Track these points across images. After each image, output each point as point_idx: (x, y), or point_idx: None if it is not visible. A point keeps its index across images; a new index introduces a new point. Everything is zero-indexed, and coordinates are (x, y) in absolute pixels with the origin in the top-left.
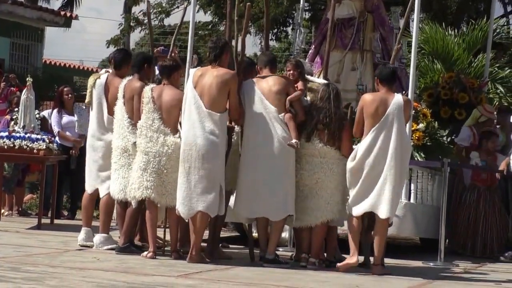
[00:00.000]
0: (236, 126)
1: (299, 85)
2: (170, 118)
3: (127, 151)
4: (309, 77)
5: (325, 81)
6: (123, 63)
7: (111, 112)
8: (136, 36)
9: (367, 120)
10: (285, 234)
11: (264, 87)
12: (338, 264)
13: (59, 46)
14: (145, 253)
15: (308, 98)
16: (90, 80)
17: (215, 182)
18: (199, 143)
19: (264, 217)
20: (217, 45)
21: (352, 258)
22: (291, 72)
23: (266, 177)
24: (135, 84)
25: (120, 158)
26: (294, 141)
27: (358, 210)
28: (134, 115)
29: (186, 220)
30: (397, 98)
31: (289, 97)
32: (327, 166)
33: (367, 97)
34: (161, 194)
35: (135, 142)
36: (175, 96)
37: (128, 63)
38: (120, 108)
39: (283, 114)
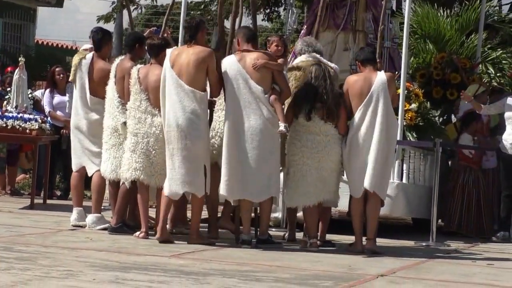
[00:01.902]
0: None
1: (280, 61)
2: (158, 98)
3: (117, 131)
4: (321, 58)
5: (336, 66)
6: (103, 43)
7: (93, 93)
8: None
9: (353, 101)
10: (278, 214)
11: (248, 64)
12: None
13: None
14: (138, 233)
15: (289, 75)
16: (75, 59)
17: (199, 162)
18: (180, 124)
19: (246, 200)
20: (192, 24)
21: (357, 246)
22: (278, 47)
23: (249, 158)
24: (126, 64)
25: (110, 138)
26: (282, 126)
27: (358, 191)
28: (124, 95)
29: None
30: (381, 75)
31: (268, 63)
32: (329, 145)
33: (351, 78)
34: (150, 175)
35: (124, 122)
36: (161, 76)
37: (107, 42)
38: (111, 88)
39: (267, 94)
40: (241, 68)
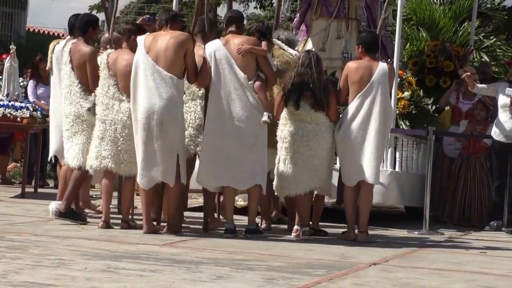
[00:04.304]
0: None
1: (263, 45)
2: (126, 84)
3: (80, 117)
4: (283, 45)
5: (296, 52)
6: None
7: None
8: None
9: (352, 87)
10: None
11: (233, 49)
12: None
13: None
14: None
15: (275, 62)
16: (50, 46)
17: (174, 150)
18: (157, 111)
19: (229, 188)
20: (168, 12)
21: (350, 234)
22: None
23: (234, 145)
24: (84, 49)
25: (72, 125)
26: (266, 116)
27: (352, 180)
28: (90, 80)
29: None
30: (382, 65)
31: (253, 48)
32: (321, 133)
33: (352, 64)
34: (119, 163)
35: (89, 108)
36: (131, 61)
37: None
38: (68, 74)
39: (252, 81)
40: (227, 53)
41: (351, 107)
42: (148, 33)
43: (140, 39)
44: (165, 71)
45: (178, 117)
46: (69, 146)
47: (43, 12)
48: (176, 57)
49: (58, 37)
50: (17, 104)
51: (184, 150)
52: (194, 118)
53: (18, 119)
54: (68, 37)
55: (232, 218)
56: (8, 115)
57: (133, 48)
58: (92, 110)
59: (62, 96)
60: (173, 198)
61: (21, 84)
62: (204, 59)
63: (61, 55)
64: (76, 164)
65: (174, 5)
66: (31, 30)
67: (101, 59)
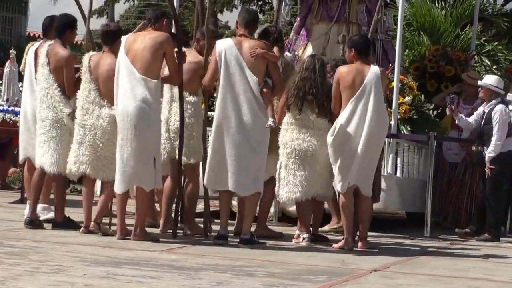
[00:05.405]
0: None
1: (275, 51)
2: (107, 89)
3: (58, 122)
4: None
5: (289, 54)
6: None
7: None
8: (120, 8)
9: (344, 92)
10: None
11: (245, 51)
12: (334, 245)
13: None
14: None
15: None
16: (26, 48)
17: (149, 154)
18: (130, 113)
19: (227, 193)
20: (156, 11)
21: (347, 243)
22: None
23: (240, 150)
24: (61, 52)
25: (49, 129)
26: (271, 121)
27: (343, 186)
28: (66, 86)
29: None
30: (374, 68)
31: (267, 53)
32: (323, 139)
33: (343, 69)
34: (98, 169)
35: (69, 113)
36: (113, 65)
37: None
38: (45, 76)
39: (260, 86)
40: (238, 54)
41: (345, 112)
42: (130, 34)
43: (122, 40)
44: (139, 72)
45: (152, 120)
46: (45, 150)
47: (43, 17)
48: (153, 59)
49: None
50: (17, 109)
51: (160, 154)
52: (174, 120)
53: (18, 124)
54: (43, 40)
55: (227, 223)
56: (8, 120)
57: (115, 51)
58: (71, 115)
59: (38, 99)
60: (142, 205)
61: (21, 89)
62: (213, 57)
63: (33, 57)
64: (55, 170)
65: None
66: (31, 34)
67: (83, 61)
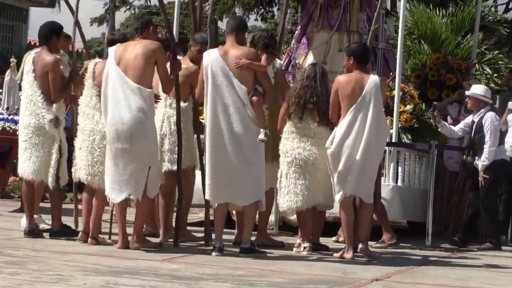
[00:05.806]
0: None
1: (263, 59)
2: None
3: (41, 129)
4: None
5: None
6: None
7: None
8: (121, 16)
9: (343, 102)
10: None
11: (231, 61)
12: (335, 255)
13: None
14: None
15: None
16: (24, 58)
17: (145, 163)
18: (126, 123)
19: (224, 204)
20: (140, 20)
21: (348, 253)
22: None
23: (235, 160)
24: (47, 58)
25: (32, 137)
26: (262, 133)
27: (340, 197)
28: (52, 90)
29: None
30: (373, 77)
31: (252, 64)
32: (323, 147)
33: (342, 78)
34: (93, 175)
35: (51, 120)
36: None
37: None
38: (30, 83)
39: (250, 95)
40: (225, 65)
41: (344, 122)
42: (119, 44)
43: (111, 50)
44: (133, 81)
45: (147, 128)
46: (26, 157)
47: None
48: (145, 68)
49: None
50: (17, 118)
51: (156, 163)
52: (161, 127)
53: (18, 132)
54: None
55: (222, 234)
56: (8, 128)
57: None
58: (53, 121)
59: (22, 106)
60: (142, 210)
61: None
62: (201, 70)
63: (30, 67)
64: (34, 178)
65: (176, 16)
66: (32, 43)
67: (88, 67)
